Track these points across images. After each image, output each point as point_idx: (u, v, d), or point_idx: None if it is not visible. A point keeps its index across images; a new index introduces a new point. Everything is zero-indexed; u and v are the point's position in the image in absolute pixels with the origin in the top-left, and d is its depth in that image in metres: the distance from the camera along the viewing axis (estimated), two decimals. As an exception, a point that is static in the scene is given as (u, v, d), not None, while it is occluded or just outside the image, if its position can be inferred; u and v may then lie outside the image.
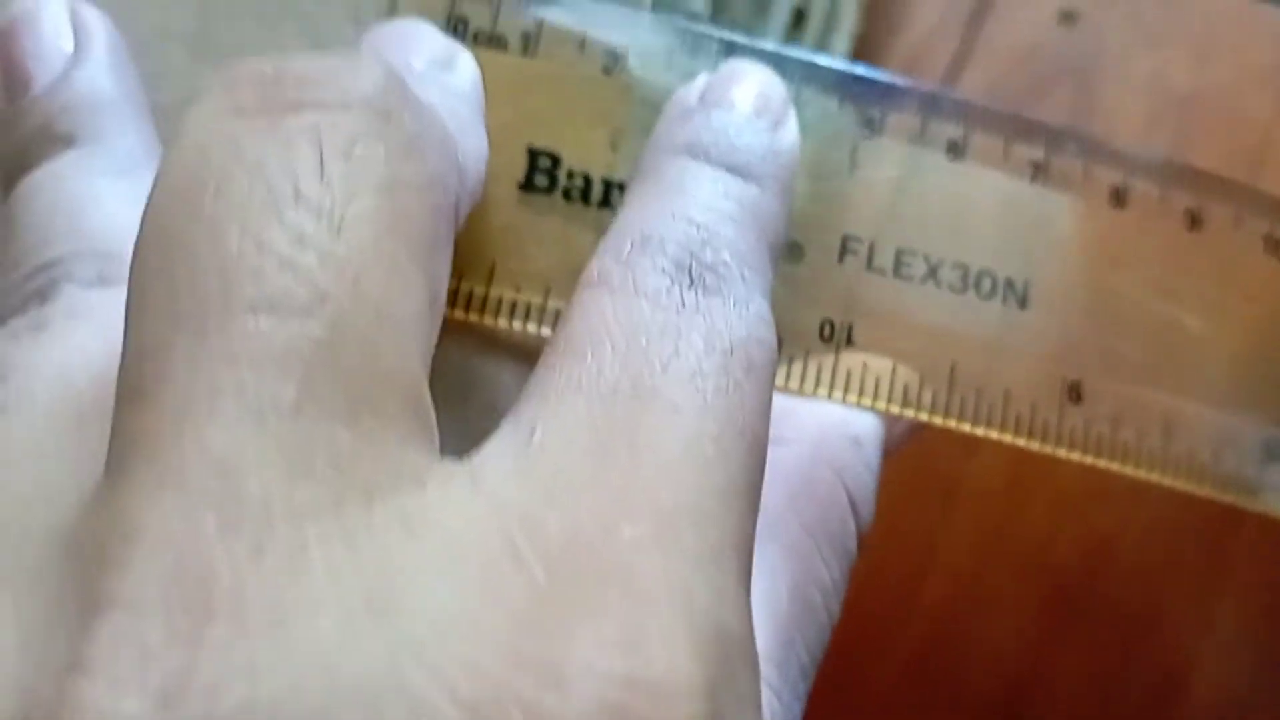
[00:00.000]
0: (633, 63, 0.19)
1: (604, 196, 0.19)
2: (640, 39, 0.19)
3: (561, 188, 0.19)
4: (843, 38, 0.34)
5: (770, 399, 0.15)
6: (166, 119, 0.19)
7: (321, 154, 0.12)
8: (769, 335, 0.15)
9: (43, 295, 0.16)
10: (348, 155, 0.12)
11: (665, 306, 0.14)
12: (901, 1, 0.37)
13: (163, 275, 0.12)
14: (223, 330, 0.11)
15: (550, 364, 0.14)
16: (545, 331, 0.18)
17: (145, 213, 0.12)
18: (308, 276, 0.12)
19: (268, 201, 0.12)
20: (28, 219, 0.17)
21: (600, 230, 0.16)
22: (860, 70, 0.20)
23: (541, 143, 0.19)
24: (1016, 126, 0.20)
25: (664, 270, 0.15)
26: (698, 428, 0.13)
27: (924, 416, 0.18)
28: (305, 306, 0.12)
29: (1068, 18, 0.38)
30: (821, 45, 0.34)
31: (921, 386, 0.18)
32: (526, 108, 0.19)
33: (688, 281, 0.15)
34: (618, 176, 0.19)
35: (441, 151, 0.14)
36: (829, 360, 0.18)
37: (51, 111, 0.18)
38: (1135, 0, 0.38)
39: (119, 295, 0.13)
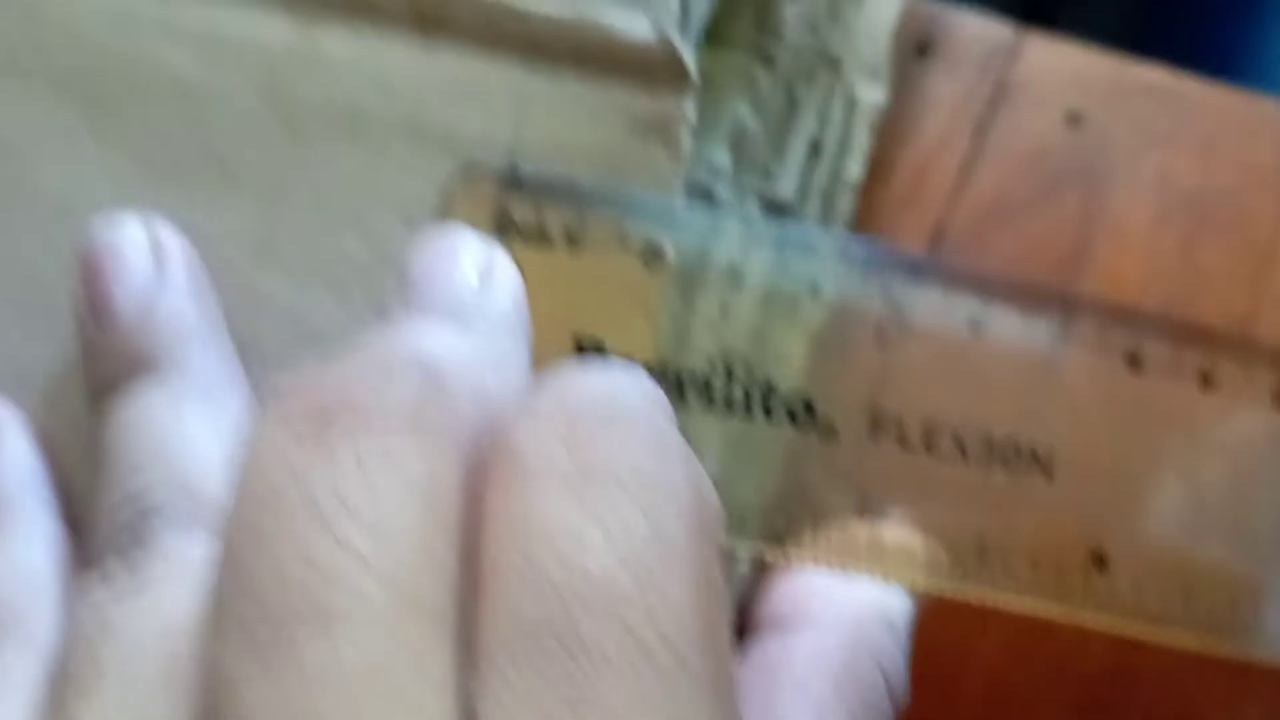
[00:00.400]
0: (669, 252, 0.20)
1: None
2: (674, 228, 0.21)
3: None
4: (856, 159, 0.35)
5: (712, 553, 0.14)
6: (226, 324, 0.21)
7: (363, 465, 0.13)
8: (686, 485, 0.14)
9: (134, 530, 0.17)
10: (387, 465, 0.13)
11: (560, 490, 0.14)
12: (908, 112, 0.38)
13: (231, 601, 0.13)
14: (275, 650, 0.12)
15: (476, 602, 0.13)
16: None
17: (223, 543, 0.14)
18: (354, 585, 0.13)
19: (316, 517, 0.13)
20: (116, 448, 0.18)
21: None
22: (882, 248, 0.21)
23: (587, 331, 0.20)
24: (1034, 296, 0.21)
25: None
26: (632, 672, 0.13)
27: (954, 591, 0.19)
28: (347, 613, 0.13)
29: (1074, 119, 0.39)
30: (836, 170, 0.35)
31: (952, 562, 0.19)
32: (570, 299, 0.20)
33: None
34: (661, 361, 0.20)
35: (476, 423, 0.15)
36: (863, 536, 0.19)
37: (136, 339, 0.19)
38: (1138, 99, 0.39)
39: (212, 544, 0.14)
